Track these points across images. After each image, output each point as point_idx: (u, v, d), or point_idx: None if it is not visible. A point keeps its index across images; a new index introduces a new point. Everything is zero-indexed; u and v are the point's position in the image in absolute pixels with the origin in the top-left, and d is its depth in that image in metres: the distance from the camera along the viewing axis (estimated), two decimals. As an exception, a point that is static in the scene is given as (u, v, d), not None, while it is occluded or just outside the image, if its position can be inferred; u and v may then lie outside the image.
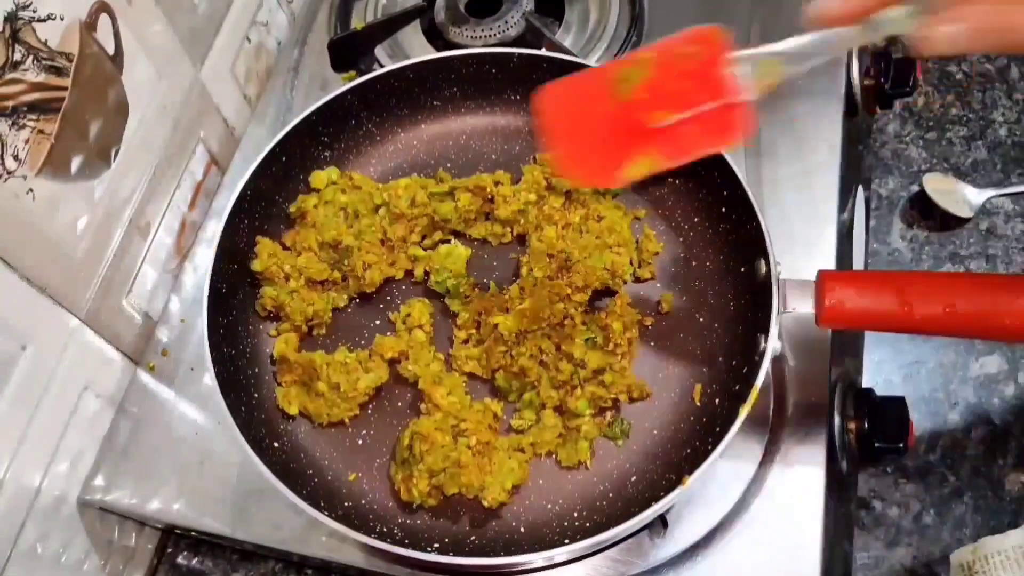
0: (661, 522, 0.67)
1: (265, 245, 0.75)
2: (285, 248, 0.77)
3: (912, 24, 0.50)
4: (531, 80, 0.81)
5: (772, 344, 0.62)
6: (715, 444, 0.61)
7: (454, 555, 0.63)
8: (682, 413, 0.70)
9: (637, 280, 0.75)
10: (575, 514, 0.67)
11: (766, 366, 0.63)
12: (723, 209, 0.73)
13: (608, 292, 0.73)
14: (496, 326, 0.70)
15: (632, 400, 0.70)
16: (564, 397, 0.70)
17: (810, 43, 0.52)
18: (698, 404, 0.70)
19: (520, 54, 0.80)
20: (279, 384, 0.73)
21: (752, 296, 0.68)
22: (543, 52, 0.81)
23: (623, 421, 0.70)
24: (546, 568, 0.68)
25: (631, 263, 0.74)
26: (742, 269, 0.71)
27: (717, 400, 0.69)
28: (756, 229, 0.68)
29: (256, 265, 0.74)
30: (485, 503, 0.66)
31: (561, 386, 0.70)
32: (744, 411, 0.62)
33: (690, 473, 0.61)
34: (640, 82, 0.54)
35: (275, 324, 0.76)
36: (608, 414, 0.70)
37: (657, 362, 0.72)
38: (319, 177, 0.79)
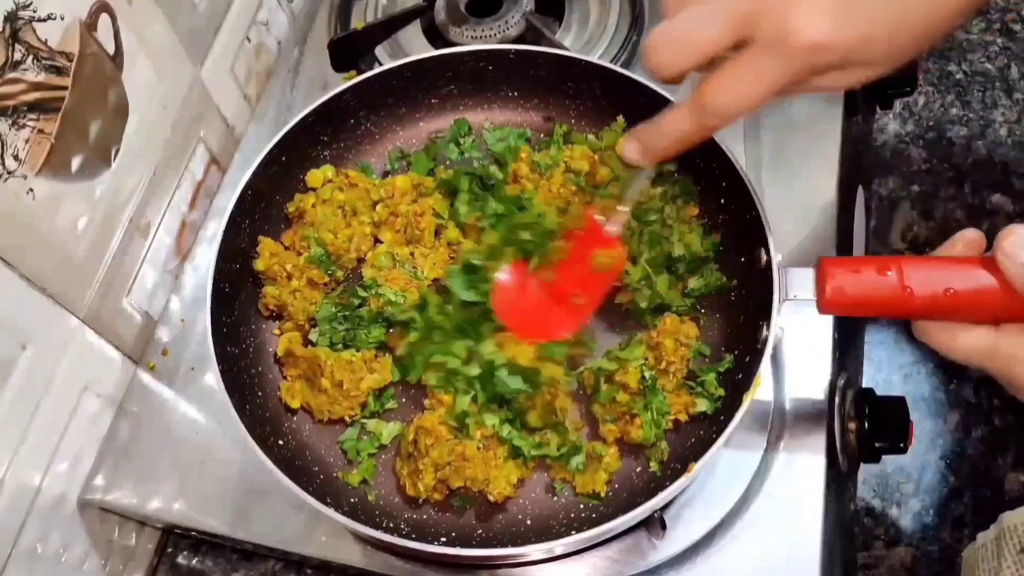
0: (660, 524, 0.67)
1: (267, 244, 0.75)
2: (286, 248, 0.77)
3: None
4: (528, 76, 0.81)
5: (774, 331, 0.62)
6: (719, 432, 0.61)
7: (461, 547, 0.63)
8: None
9: None
10: (581, 505, 0.68)
11: (768, 353, 0.63)
12: (722, 200, 0.73)
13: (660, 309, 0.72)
14: None
15: (691, 418, 0.69)
16: (625, 428, 0.68)
17: (634, 188, 0.65)
18: None
19: (516, 50, 0.79)
20: (284, 378, 0.73)
21: (753, 284, 0.68)
22: (539, 48, 0.81)
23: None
24: (549, 560, 0.68)
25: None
26: (742, 259, 0.71)
27: (721, 389, 0.69)
28: (755, 217, 0.68)
29: (258, 264, 0.74)
30: (491, 497, 0.66)
31: (619, 418, 0.68)
32: (748, 399, 0.62)
33: (695, 461, 0.61)
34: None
35: (277, 323, 0.76)
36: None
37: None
38: (315, 176, 0.79)
